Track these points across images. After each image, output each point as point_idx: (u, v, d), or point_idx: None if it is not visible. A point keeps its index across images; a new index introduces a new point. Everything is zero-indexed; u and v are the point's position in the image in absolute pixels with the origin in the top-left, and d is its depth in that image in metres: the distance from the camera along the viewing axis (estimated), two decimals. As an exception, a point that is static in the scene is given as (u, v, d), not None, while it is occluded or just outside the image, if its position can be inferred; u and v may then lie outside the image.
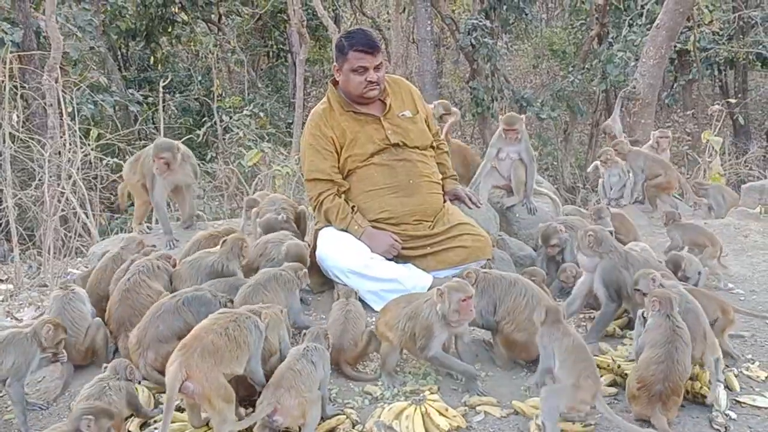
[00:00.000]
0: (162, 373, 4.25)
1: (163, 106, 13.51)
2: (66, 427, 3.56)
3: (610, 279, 4.81)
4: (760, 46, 17.09)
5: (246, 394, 4.03)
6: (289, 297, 4.74)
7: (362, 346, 4.51)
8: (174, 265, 5.16)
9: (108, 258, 5.43)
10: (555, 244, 5.63)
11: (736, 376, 4.34)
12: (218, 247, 5.22)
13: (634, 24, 17.08)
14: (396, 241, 5.36)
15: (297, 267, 4.90)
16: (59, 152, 10.20)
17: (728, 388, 4.24)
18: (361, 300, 4.99)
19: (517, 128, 6.46)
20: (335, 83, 5.65)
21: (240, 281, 4.89)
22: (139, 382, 4.28)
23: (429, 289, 5.24)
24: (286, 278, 4.78)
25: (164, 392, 4.13)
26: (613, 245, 4.91)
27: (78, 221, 9.94)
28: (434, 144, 5.85)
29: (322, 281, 5.48)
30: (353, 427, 3.95)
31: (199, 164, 10.97)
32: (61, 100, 10.69)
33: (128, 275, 4.90)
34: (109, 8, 17.73)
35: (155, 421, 4.03)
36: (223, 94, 18.72)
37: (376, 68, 5.44)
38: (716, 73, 19.78)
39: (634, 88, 10.86)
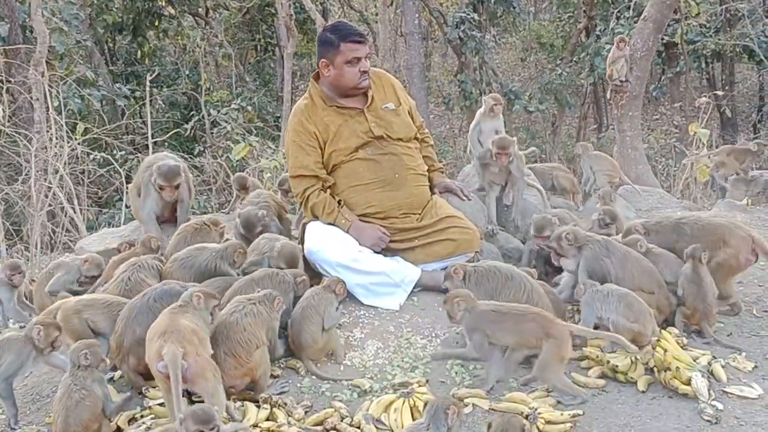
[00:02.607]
0: (145, 376, 4.31)
1: (151, 101, 13.47)
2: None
3: (592, 268, 4.83)
4: (747, 39, 17.14)
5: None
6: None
7: (322, 342, 4.51)
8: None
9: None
10: (548, 235, 5.57)
11: (723, 367, 4.36)
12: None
13: (622, 16, 17.09)
14: (384, 233, 5.36)
15: (299, 273, 4.90)
16: (46, 147, 10.17)
17: (716, 378, 4.27)
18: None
19: (510, 151, 6.06)
20: (317, 78, 5.64)
21: (235, 279, 4.88)
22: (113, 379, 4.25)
23: (418, 283, 5.28)
24: (281, 279, 4.76)
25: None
26: (590, 236, 4.94)
27: (65, 216, 9.92)
28: (419, 136, 5.84)
29: (311, 275, 5.46)
30: (342, 420, 3.96)
31: (186, 158, 11.01)
32: (48, 94, 10.65)
33: (127, 274, 4.91)
34: (95, 2, 17.63)
35: (142, 416, 4.03)
36: (211, 88, 18.67)
37: (366, 57, 5.48)
38: (703, 65, 19.84)
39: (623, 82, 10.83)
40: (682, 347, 4.45)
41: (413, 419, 3.89)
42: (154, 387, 4.28)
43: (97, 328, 4.52)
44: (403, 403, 3.98)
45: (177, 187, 6.24)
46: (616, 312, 4.41)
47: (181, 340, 3.74)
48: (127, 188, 10.43)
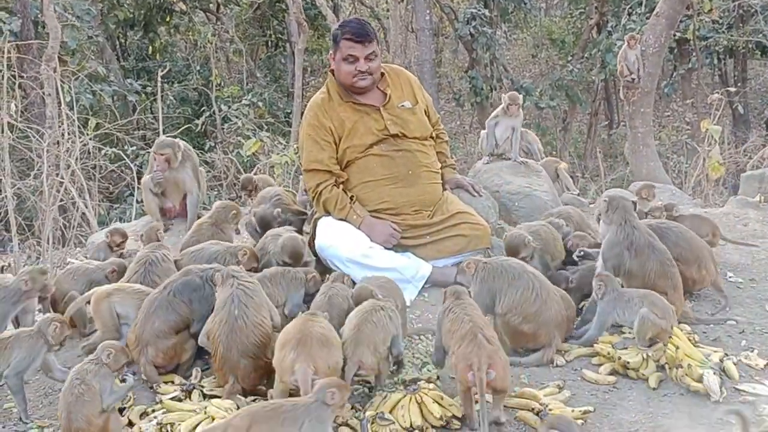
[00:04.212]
0: (160, 369, 4.36)
1: (162, 96, 13.50)
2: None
3: (609, 253, 4.82)
4: (760, 35, 17.04)
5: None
6: (290, 292, 4.72)
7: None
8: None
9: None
10: (524, 257, 5.16)
11: (735, 365, 4.35)
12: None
13: (634, 12, 17.04)
14: (395, 230, 5.35)
15: (309, 270, 4.89)
16: (58, 142, 10.21)
17: (728, 376, 4.26)
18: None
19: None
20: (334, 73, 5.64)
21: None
22: (123, 380, 4.21)
23: (428, 279, 5.27)
24: (293, 276, 4.77)
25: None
26: (626, 220, 4.86)
27: (77, 211, 9.96)
28: (434, 134, 5.83)
29: (322, 270, 5.47)
30: (354, 415, 3.97)
31: (197, 154, 10.98)
32: (60, 89, 10.69)
33: (139, 277, 4.92)
34: (107, -3, 17.68)
35: (153, 411, 4.04)
36: (222, 84, 18.69)
37: (367, 58, 5.41)
38: (716, 62, 19.71)
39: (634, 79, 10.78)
40: (693, 344, 4.44)
41: (421, 414, 3.90)
42: (166, 382, 4.30)
43: (124, 314, 4.56)
44: (410, 400, 3.96)
45: (166, 160, 6.33)
46: (645, 309, 4.39)
47: (312, 355, 3.75)
48: (138, 183, 10.46)
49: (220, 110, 15.51)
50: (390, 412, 3.91)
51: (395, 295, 4.61)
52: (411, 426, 3.85)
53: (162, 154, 6.40)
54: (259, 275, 4.73)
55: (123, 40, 19.87)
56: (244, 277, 4.36)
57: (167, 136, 9.94)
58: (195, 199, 6.46)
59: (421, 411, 3.92)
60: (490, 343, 3.87)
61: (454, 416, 3.92)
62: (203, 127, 15.80)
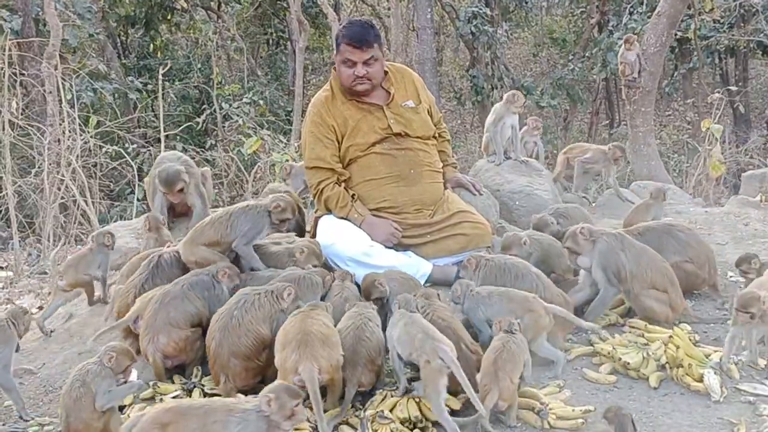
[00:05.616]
0: (169, 359, 4.36)
1: (163, 94, 13.48)
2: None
3: (607, 261, 4.80)
4: (761, 34, 17.05)
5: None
6: (308, 299, 4.58)
7: None
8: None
9: None
10: (515, 253, 5.14)
11: (735, 364, 4.35)
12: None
13: (635, 12, 17.05)
14: (396, 229, 5.35)
15: (325, 273, 4.85)
16: (59, 140, 10.21)
17: (728, 376, 4.26)
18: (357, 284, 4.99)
19: None
20: None
21: (266, 274, 4.85)
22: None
23: (429, 278, 5.27)
24: (309, 282, 4.67)
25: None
26: (604, 230, 4.93)
27: (77, 209, 9.96)
28: (436, 133, 5.83)
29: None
30: (354, 413, 3.97)
31: (198, 152, 10.97)
32: (61, 87, 10.69)
33: (144, 276, 4.89)
34: (108, -5, 17.66)
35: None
36: (223, 82, 18.64)
37: (366, 63, 5.38)
38: (717, 61, 19.73)
39: (635, 78, 10.76)
40: (694, 344, 4.44)
41: (420, 412, 3.89)
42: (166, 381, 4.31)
43: None
44: (408, 400, 3.96)
45: (180, 191, 6.12)
46: (501, 310, 4.32)
47: (315, 354, 3.78)
48: (140, 181, 10.48)
49: (220, 108, 15.50)
50: (390, 411, 3.91)
51: (413, 290, 4.63)
52: (409, 419, 3.85)
53: (180, 191, 6.12)
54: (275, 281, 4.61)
55: (124, 38, 19.87)
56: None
57: (165, 134, 9.85)
58: (198, 211, 6.26)
59: (420, 408, 3.92)
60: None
61: (453, 411, 3.91)
62: (204, 125, 15.78)
